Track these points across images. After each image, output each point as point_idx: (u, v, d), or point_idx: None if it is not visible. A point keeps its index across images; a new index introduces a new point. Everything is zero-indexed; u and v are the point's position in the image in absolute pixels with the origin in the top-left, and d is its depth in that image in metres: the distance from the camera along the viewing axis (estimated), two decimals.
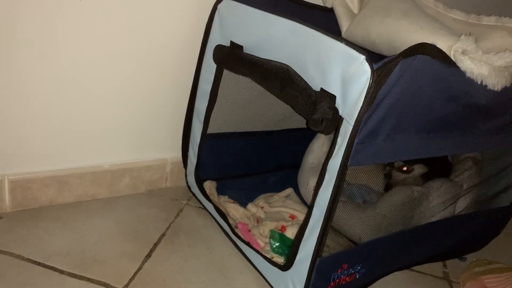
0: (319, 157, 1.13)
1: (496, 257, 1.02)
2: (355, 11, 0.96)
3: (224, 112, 1.00)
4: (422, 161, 0.96)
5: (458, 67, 0.65)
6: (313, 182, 1.04)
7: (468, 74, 0.66)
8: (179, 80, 1.03)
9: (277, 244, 0.90)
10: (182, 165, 1.09)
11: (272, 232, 0.94)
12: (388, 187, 0.98)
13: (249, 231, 0.95)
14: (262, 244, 0.92)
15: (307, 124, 0.66)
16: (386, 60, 0.59)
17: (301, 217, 1.02)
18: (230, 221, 0.95)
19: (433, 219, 0.86)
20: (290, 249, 0.81)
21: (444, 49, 0.66)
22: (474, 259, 1.00)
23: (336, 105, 0.63)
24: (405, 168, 0.96)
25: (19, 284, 0.76)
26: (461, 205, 0.90)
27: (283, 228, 0.96)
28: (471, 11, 0.85)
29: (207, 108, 0.95)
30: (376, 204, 0.83)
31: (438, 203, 0.86)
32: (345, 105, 0.62)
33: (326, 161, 0.66)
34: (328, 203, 0.66)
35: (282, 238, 0.92)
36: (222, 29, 0.88)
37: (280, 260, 0.88)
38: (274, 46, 0.76)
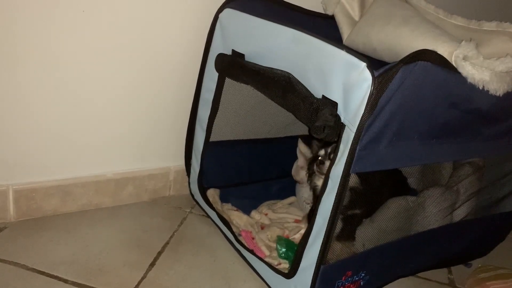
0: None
1: (501, 263, 1.01)
2: (356, 18, 0.97)
3: (226, 120, 1.01)
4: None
5: (459, 73, 0.66)
6: (308, 196, 1.06)
7: (469, 80, 0.66)
8: (182, 89, 1.03)
9: (283, 249, 0.90)
10: (185, 173, 1.09)
11: (278, 238, 0.94)
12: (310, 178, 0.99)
13: (253, 238, 0.95)
14: (267, 252, 0.92)
15: (309, 131, 0.66)
16: (387, 67, 0.59)
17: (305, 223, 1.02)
18: (234, 229, 0.95)
19: (434, 226, 0.86)
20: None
21: (445, 55, 0.66)
22: (480, 265, 0.99)
23: (338, 112, 0.64)
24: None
25: None
26: (461, 212, 0.89)
27: (288, 238, 0.96)
28: (472, 17, 0.85)
29: (209, 116, 0.96)
30: (372, 217, 0.82)
31: (436, 211, 0.85)
32: (347, 112, 0.62)
33: (329, 168, 0.66)
34: (331, 211, 0.66)
35: (288, 243, 0.92)
36: (224, 38, 0.88)
37: (287, 266, 0.87)
38: (275, 54, 0.76)
